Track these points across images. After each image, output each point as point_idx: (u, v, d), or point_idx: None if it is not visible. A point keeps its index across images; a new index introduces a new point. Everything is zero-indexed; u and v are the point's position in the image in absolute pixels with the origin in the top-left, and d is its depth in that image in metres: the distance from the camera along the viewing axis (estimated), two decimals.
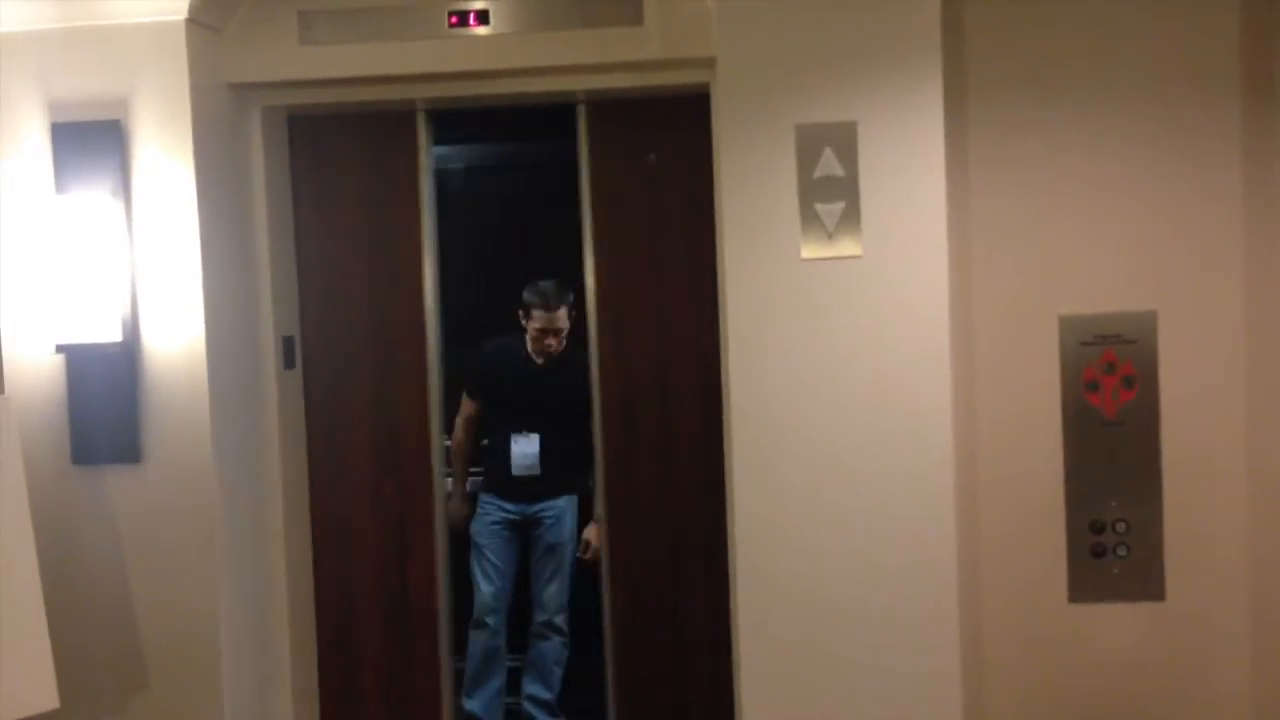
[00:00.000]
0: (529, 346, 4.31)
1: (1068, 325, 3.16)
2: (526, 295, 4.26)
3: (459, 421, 4.45)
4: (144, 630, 3.17)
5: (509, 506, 4.39)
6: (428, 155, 3.62)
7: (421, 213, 3.58)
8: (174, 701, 3.18)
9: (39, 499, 2.88)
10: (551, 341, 4.23)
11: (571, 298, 4.17)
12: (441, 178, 4.11)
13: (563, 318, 4.20)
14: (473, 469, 4.53)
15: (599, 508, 3.73)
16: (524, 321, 4.29)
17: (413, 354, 3.62)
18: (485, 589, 4.38)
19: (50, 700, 2.71)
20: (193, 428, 3.14)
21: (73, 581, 3.10)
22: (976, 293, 3.17)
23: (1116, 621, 3.20)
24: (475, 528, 4.43)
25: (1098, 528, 3.18)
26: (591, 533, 4.22)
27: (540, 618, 4.41)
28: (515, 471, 4.32)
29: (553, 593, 4.39)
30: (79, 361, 3.13)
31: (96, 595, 3.16)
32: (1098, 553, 3.19)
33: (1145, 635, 3.20)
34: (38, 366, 3.15)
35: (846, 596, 3.06)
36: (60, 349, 3.11)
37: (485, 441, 4.50)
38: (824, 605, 3.06)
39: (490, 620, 4.36)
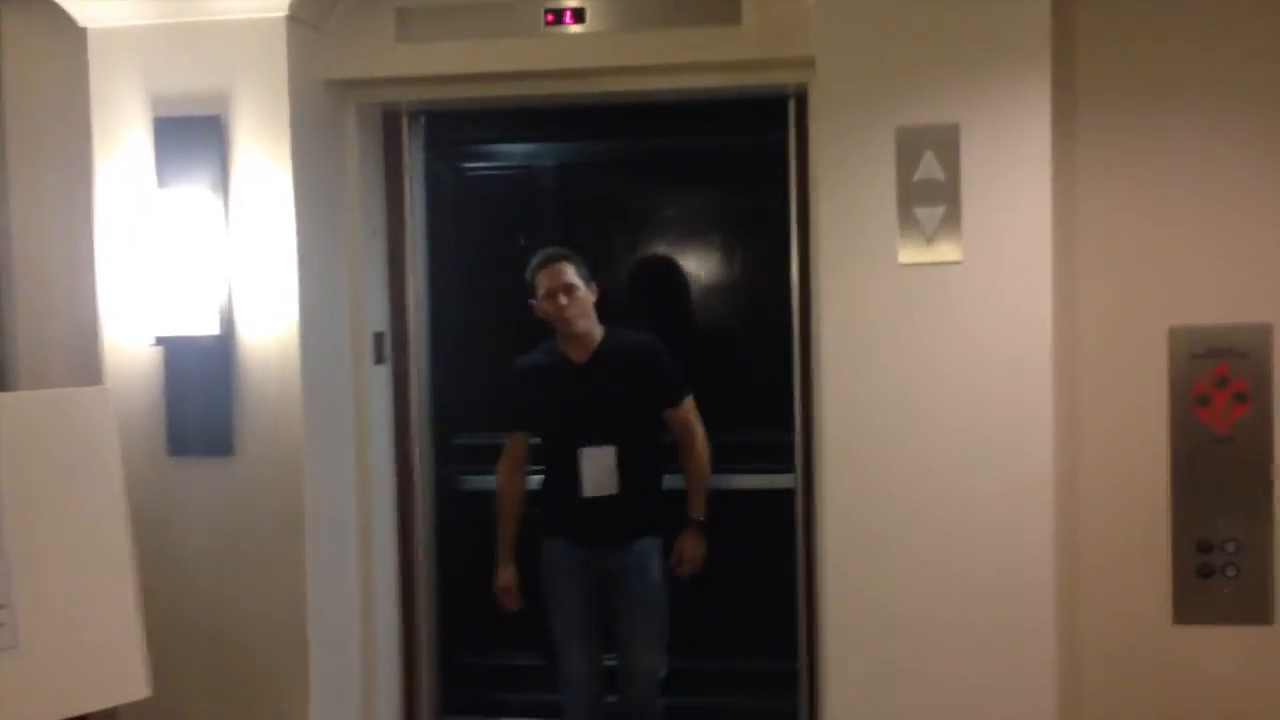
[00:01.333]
0: (559, 347, 3.53)
1: (1178, 337, 3.04)
2: (529, 269, 3.52)
3: (500, 469, 3.63)
4: (233, 621, 3.20)
5: (581, 552, 3.51)
6: (411, 155, 3.65)
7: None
8: (262, 693, 3.21)
9: (135, 489, 2.91)
10: (563, 299, 3.42)
11: (582, 266, 3.49)
12: (534, 175, 4.11)
13: (569, 273, 3.43)
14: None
15: (695, 509, 3.54)
16: (536, 305, 3.50)
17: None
18: (573, 663, 3.55)
19: (141, 689, 2.74)
20: (285, 421, 3.17)
21: (164, 571, 3.13)
22: (1081, 301, 3.06)
23: (1223, 645, 3.08)
24: (548, 583, 3.57)
25: (1205, 547, 3.06)
26: (687, 542, 3.54)
27: (634, 688, 3.56)
28: (589, 491, 3.43)
29: (647, 664, 3.54)
30: (176, 354, 3.17)
31: (187, 586, 3.20)
32: (1205, 573, 3.06)
33: (1252, 659, 3.07)
34: (136, 358, 3.20)
35: (939, 612, 2.97)
36: (159, 341, 3.15)
37: (541, 478, 3.65)
38: (915, 621, 2.99)
39: (585, 699, 3.57)
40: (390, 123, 3.60)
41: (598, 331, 3.52)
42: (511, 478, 3.61)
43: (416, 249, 3.71)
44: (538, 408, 3.55)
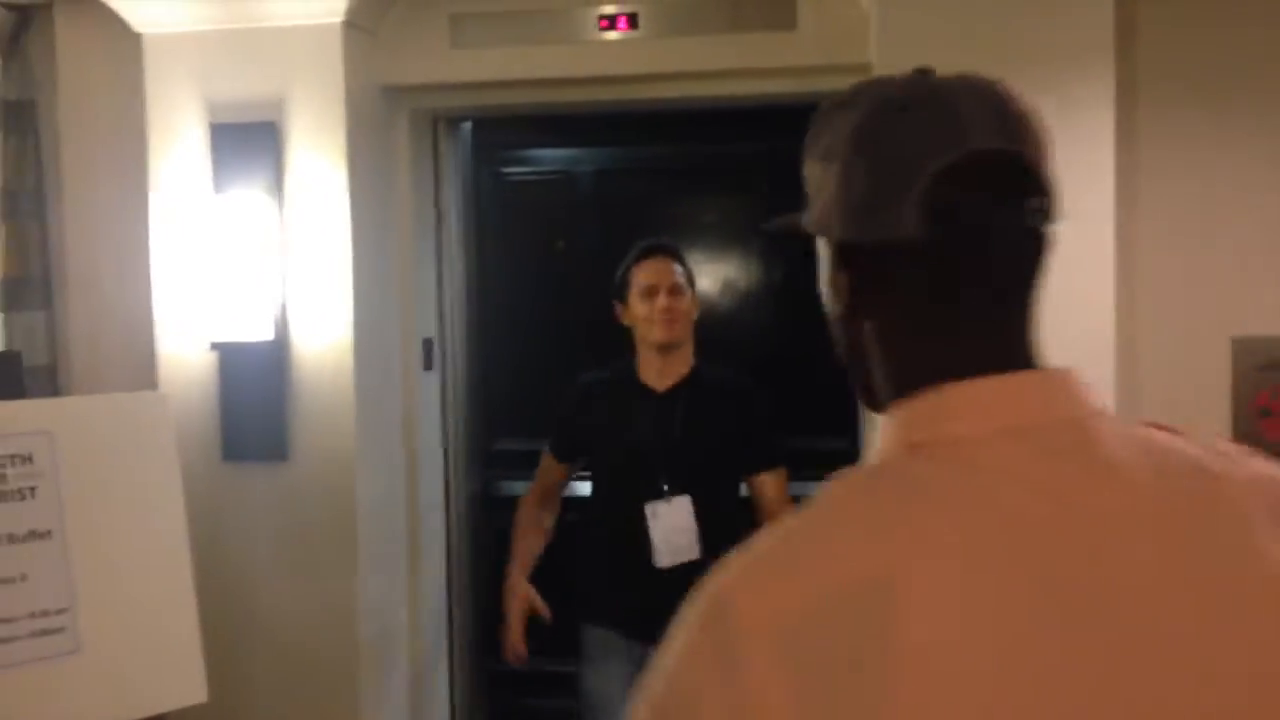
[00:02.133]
0: (635, 368, 2.92)
1: (1241, 347, 3.00)
2: (626, 261, 2.94)
3: (524, 500, 3.05)
4: (285, 625, 3.21)
5: (640, 650, 2.62)
6: (447, 160, 3.61)
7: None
8: (312, 697, 3.21)
9: (190, 494, 2.92)
10: (664, 300, 2.80)
11: (689, 269, 2.96)
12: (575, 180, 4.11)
13: (678, 273, 2.86)
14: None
15: None
16: (625, 307, 2.92)
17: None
18: None
19: (199, 694, 2.74)
20: (338, 427, 3.17)
21: (219, 575, 3.14)
22: (1142, 309, 3.02)
23: None
24: (587, 683, 2.88)
25: None
26: None
27: None
28: (664, 559, 2.69)
29: None
30: (231, 359, 3.17)
31: (241, 590, 3.20)
32: None
33: None
34: (192, 363, 3.20)
35: None
36: (214, 346, 3.16)
37: (583, 538, 3.01)
38: None
39: None
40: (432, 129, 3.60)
41: (690, 356, 2.91)
42: (534, 512, 3.02)
43: (453, 254, 3.69)
44: (597, 438, 2.90)
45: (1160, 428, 0.90)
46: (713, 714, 0.75)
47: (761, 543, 0.82)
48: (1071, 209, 3.02)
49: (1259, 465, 0.86)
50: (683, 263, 2.93)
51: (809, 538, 0.81)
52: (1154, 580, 0.75)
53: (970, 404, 0.84)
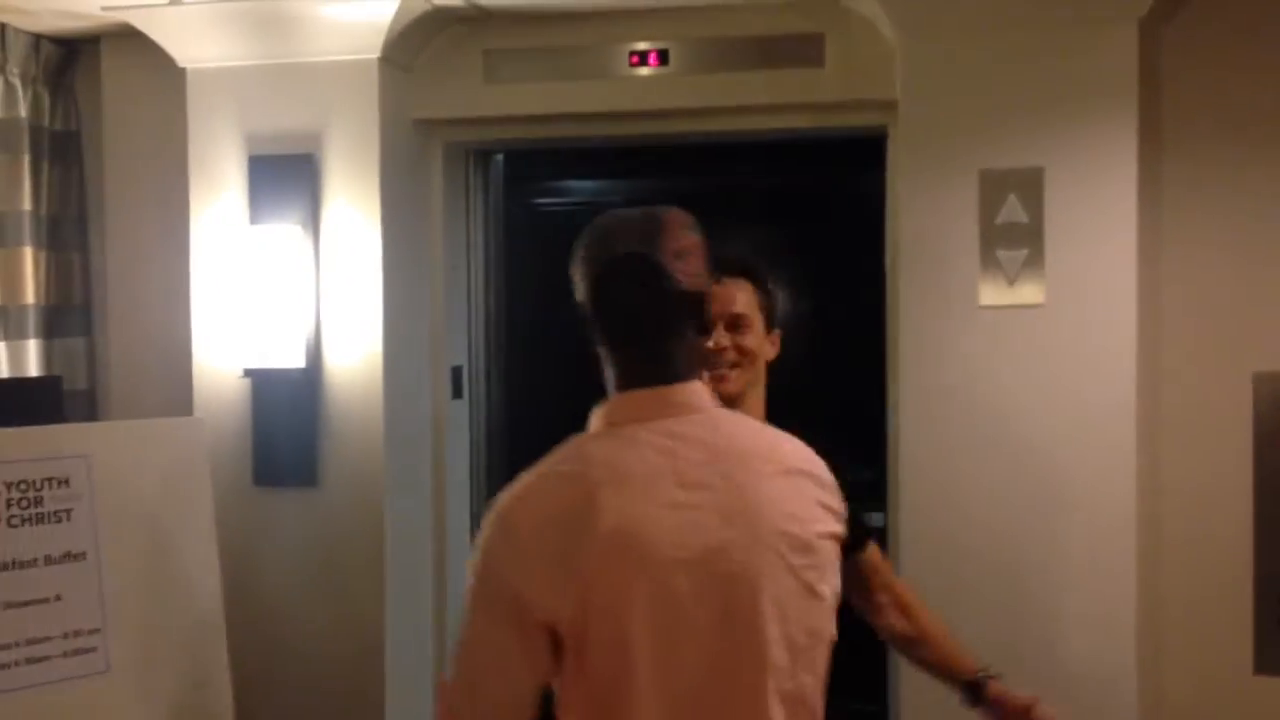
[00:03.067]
0: None
1: (1263, 383, 3.00)
2: None
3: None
4: (313, 649, 3.25)
5: None
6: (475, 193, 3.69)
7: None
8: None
9: (222, 517, 2.98)
10: (721, 338, 2.15)
11: (772, 296, 2.28)
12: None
13: (739, 301, 2.19)
14: None
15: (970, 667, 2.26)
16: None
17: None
18: None
19: (225, 716, 2.80)
20: (367, 454, 3.22)
21: (248, 599, 3.19)
22: (1166, 346, 3.03)
23: None
24: None
25: None
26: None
27: None
28: None
29: None
30: (264, 386, 3.24)
31: (270, 613, 3.25)
32: None
33: None
34: (225, 389, 3.27)
35: (1019, 659, 2.94)
36: (248, 373, 3.23)
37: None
38: (995, 664, 2.96)
39: None
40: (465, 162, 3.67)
41: (759, 410, 2.21)
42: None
43: (483, 284, 3.74)
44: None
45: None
46: (501, 563, 1.47)
47: (523, 481, 1.52)
48: (1093, 247, 3.06)
49: (787, 444, 1.60)
50: (758, 282, 2.25)
51: (550, 476, 1.51)
52: (706, 482, 1.49)
53: (633, 403, 1.53)
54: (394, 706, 3.27)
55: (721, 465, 1.50)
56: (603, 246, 1.54)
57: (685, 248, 1.52)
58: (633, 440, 1.49)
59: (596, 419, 1.56)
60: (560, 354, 4.02)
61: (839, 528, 1.60)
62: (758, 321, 2.21)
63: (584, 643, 1.44)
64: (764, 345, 2.22)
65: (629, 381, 1.54)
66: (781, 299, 2.32)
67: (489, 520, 1.50)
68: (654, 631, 1.44)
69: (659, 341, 1.53)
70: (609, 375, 1.57)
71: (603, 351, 1.57)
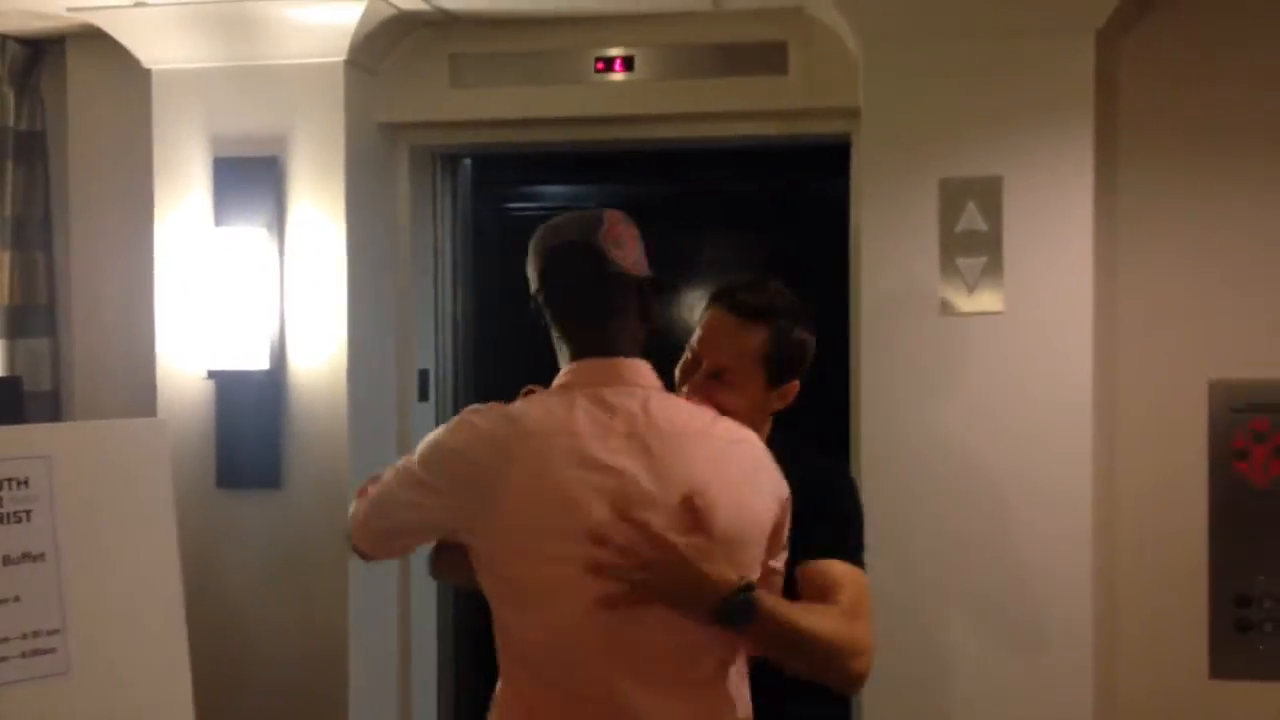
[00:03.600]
0: None
1: (1218, 390, 3.05)
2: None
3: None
4: (276, 650, 3.26)
5: None
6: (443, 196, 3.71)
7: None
8: None
9: (184, 519, 2.97)
10: (697, 383, 1.96)
11: (789, 332, 1.99)
12: None
13: (728, 347, 1.96)
14: None
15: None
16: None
17: None
18: None
19: (186, 716, 2.79)
20: (331, 455, 3.23)
21: (210, 600, 3.19)
22: (1122, 353, 3.08)
23: (1260, 700, 3.06)
24: None
25: (1243, 601, 3.05)
26: None
27: None
28: None
29: None
30: (228, 387, 3.24)
31: (233, 615, 3.25)
32: (1243, 628, 3.06)
33: None
34: (189, 391, 3.27)
35: (978, 661, 2.98)
36: (211, 375, 3.23)
37: None
38: (952, 668, 3.00)
39: None
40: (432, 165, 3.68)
41: None
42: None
43: (449, 287, 3.75)
44: None
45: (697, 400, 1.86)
46: (449, 444, 1.70)
47: (482, 409, 1.72)
48: (1050, 255, 3.09)
49: (720, 427, 1.75)
50: (785, 326, 1.97)
51: (491, 413, 1.71)
52: (625, 449, 1.63)
53: (581, 371, 1.72)
54: (356, 708, 3.27)
55: (645, 438, 1.64)
56: (550, 237, 1.76)
57: (621, 236, 1.73)
58: (574, 402, 1.66)
59: (558, 381, 1.74)
60: (528, 358, 4.05)
61: (772, 510, 1.73)
62: (752, 375, 1.95)
63: (490, 562, 1.69)
64: (751, 404, 1.95)
65: (578, 353, 1.73)
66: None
67: (454, 420, 1.72)
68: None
69: (601, 318, 1.72)
70: (562, 355, 1.76)
71: (555, 333, 1.77)
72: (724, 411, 1.81)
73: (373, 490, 1.79)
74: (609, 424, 1.64)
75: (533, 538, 1.62)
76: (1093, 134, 2.93)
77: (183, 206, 3.29)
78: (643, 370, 1.73)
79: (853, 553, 1.94)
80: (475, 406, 1.74)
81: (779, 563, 1.79)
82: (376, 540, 1.84)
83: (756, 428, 1.87)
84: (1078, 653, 2.95)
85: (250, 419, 3.23)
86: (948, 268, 2.99)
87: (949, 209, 2.99)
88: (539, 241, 1.77)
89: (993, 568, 2.97)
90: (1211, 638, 3.08)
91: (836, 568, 1.86)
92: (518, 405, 1.71)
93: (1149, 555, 3.10)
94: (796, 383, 2.02)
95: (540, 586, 1.64)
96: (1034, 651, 2.96)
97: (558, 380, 1.74)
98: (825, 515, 1.91)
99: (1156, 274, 3.08)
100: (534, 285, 1.78)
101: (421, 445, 1.73)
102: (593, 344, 1.72)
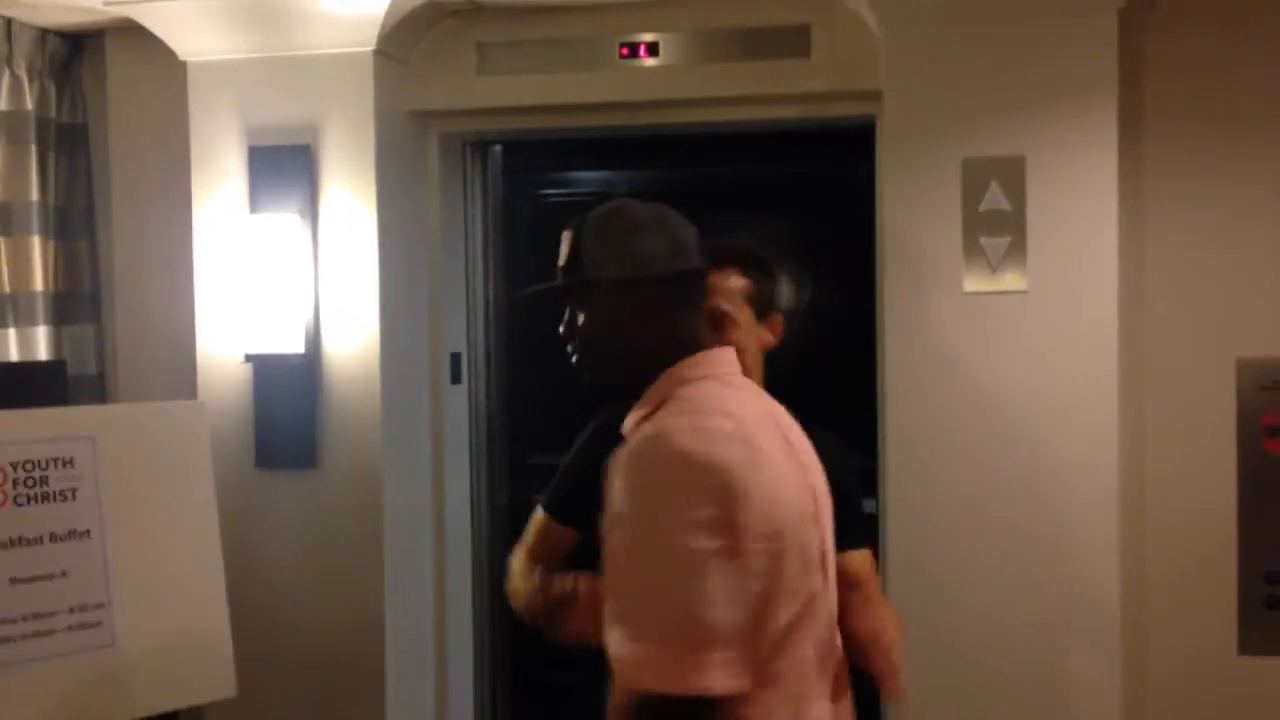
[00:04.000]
0: None
1: (1246, 368, 3.04)
2: None
3: (513, 565, 2.19)
4: (314, 626, 3.34)
5: None
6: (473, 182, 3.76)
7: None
8: (340, 697, 3.33)
9: (224, 498, 3.05)
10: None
11: (770, 281, 2.20)
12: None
13: (728, 290, 2.09)
14: None
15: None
16: None
17: None
18: None
19: (228, 689, 2.87)
20: (365, 436, 3.30)
21: (250, 577, 3.27)
22: (1148, 332, 3.08)
23: None
24: None
25: (1273, 578, 3.05)
26: None
27: None
28: None
29: None
30: (265, 370, 3.32)
31: (271, 592, 3.34)
32: (1271, 604, 3.05)
33: None
34: (227, 374, 3.36)
35: (1005, 639, 3.00)
36: (249, 358, 3.31)
37: None
38: (981, 647, 3.01)
39: None
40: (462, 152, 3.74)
41: None
42: (526, 582, 2.12)
43: (481, 272, 3.80)
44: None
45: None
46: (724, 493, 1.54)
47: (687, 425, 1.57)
48: (1075, 234, 3.09)
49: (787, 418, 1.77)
50: (753, 271, 2.14)
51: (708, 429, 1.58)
52: (786, 434, 1.70)
53: (717, 360, 1.72)
54: (394, 686, 3.35)
55: (785, 431, 1.72)
56: (681, 230, 1.77)
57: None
58: (738, 386, 1.71)
59: (694, 369, 1.69)
60: (559, 341, 4.10)
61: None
62: (743, 312, 2.11)
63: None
64: (750, 338, 2.11)
65: (699, 344, 1.73)
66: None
67: (669, 462, 1.51)
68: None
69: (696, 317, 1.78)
70: (664, 337, 1.71)
71: (664, 310, 1.71)
72: (733, 340, 1.99)
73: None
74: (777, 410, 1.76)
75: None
76: (1116, 113, 2.92)
77: (219, 195, 3.37)
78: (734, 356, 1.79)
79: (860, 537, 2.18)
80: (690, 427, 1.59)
81: None
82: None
83: (755, 366, 2.12)
84: (1106, 629, 2.96)
85: (287, 401, 3.31)
86: (971, 247, 3.00)
87: (972, 189, 3.00)
88: (677, 227, 1.76)
89: (1020, 545, 2.99)
90: (1240, 614, 3.08)
91: (854, 559, 2.09)
92: (718, 416, 1.59)
93: (1177, 532, 3.10)
94: (779, 316, 2.20)
95: None
96: (1062, 628, 2.97)
97: (706, 368, 1.69)
98: (857, 497, 2.23)
99: (1183, 252, 3.07)
100: (659, 266, 1.70)
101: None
102: (705, 337, 1.77)
